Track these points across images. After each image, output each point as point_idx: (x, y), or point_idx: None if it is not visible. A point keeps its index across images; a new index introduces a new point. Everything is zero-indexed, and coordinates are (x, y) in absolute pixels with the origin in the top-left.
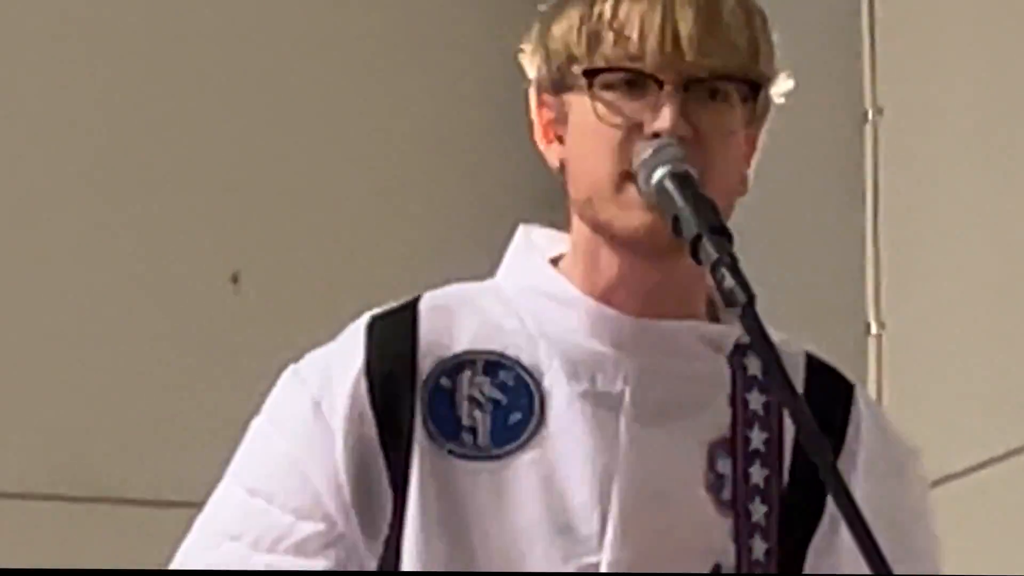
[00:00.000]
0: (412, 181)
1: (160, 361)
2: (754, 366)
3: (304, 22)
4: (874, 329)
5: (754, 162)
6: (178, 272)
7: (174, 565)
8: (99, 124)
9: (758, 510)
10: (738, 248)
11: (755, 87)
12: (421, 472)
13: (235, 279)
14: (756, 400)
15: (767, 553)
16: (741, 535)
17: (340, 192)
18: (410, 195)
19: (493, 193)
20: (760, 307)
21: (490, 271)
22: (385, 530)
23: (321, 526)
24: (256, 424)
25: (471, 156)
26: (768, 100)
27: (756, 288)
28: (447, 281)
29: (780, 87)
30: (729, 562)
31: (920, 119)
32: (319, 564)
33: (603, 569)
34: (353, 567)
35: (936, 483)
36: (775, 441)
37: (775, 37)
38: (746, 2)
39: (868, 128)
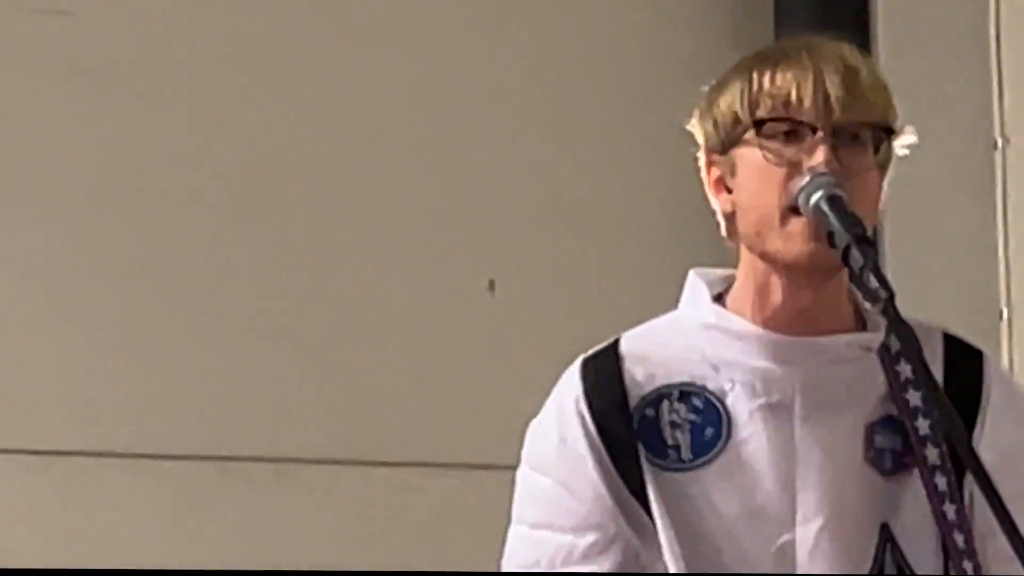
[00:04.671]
0: (649, 207)
1: (427, 356)
2: (907, 370)
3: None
4: (1006, 315)
5: (881, 203)
6: (441, 280)
7: None
8: (373, 139)
9: (941, 482)
10: (889, 255)
11: (887, 132)
12: (650, 485)
13: (491, 286)
14: (914, 396)
15: (956, 513)
16: (936, 506)
17: (586, 210)
18: (639, 214)
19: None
20: (909, 301)
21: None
22: (651, 529)
23: (597, 535)
24: (521, 473)
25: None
26: (892, 151)
27: (909, 286)
28: (666, 293)
29: (904, 141)
30: (896, 519)
31: None
32: (606, 564)
33: (798, 542)
34: (632, 558)
35: None
36: (937, 424)
37: (906, 92)
38: (876, 71)
39: (997, 155)
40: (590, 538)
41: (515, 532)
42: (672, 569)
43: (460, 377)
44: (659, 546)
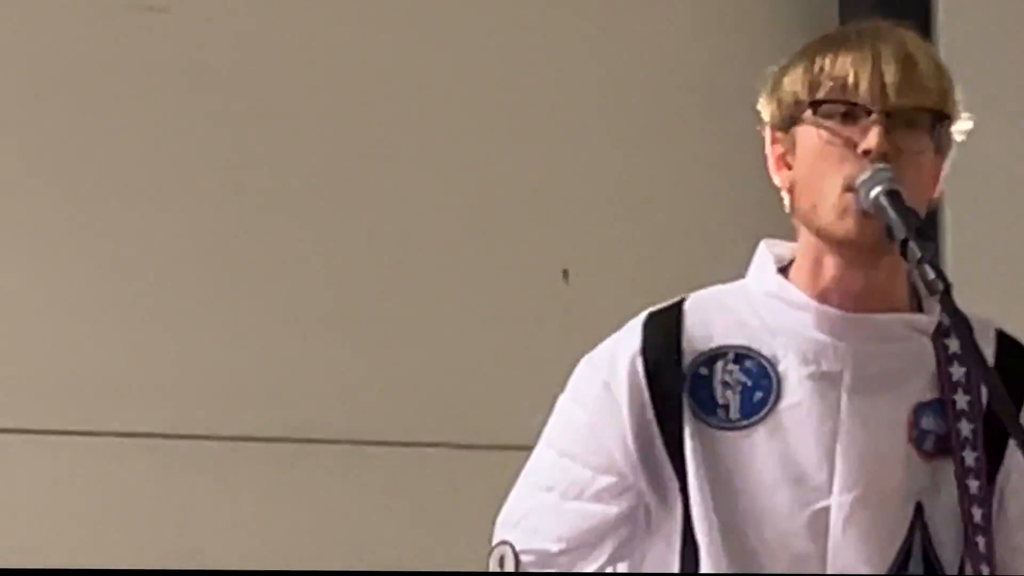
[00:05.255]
0: (719, 195)
1: (502, 344)
2: (954, 344)
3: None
4: None
5: (939, 188)
6: (516, 269)
7: (505, 511)
8: (451, 132)
9: (969, 456)
10: (950, 244)
11: (940, 117)
12: (692, 441)
13: (565, 275)
14: (957, 371)
15: (979, 489)
16: (960, 479)
17: (659, 200)
18: (710, 204)
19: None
20: (969, 290)
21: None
22: (674, 488)
23: (615, 479)
24: (561, 401)
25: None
26: (950, 137)
27: (969, 274)
28: (730, 272)
29: (961, 127)
30: (930, 501)
31: None
32: (614, 509)
33: (833, 510)
34: (640, 512)
35: None
36: (976, 402)
37: (967, 78)
38: (935, 58)
39: None
40: (607, 481)
41: (542, 452)
42: (699, 525)
43: (534, 364)
44: (675, 508)
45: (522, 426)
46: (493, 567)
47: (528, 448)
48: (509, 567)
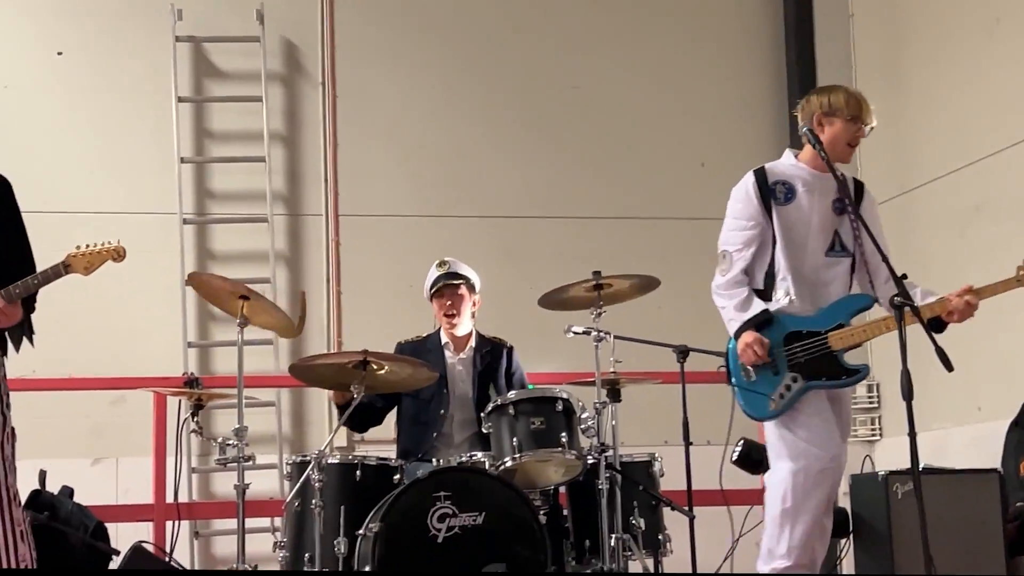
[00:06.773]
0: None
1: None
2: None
3: None
4: None
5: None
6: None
7: (721, 238)
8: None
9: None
10: None
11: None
12: (774, 210)
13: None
14: (845, 190)
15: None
16: (855, 226)
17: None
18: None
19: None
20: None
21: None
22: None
23: (754, 223)
24: (730, 205)
25: None
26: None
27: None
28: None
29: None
30: (842, 227)
31: None
32: (755, 243)
33: (811, 236)
34: (766, 236)
35: None
36: (848, 198)
37: None
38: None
39: None
40: (752, 223)
41: (729, 223)
42: (778, 241)
43: None
44: (773, 233)
45: None
46: (721, 258)
47: None
48: (728, 259)
